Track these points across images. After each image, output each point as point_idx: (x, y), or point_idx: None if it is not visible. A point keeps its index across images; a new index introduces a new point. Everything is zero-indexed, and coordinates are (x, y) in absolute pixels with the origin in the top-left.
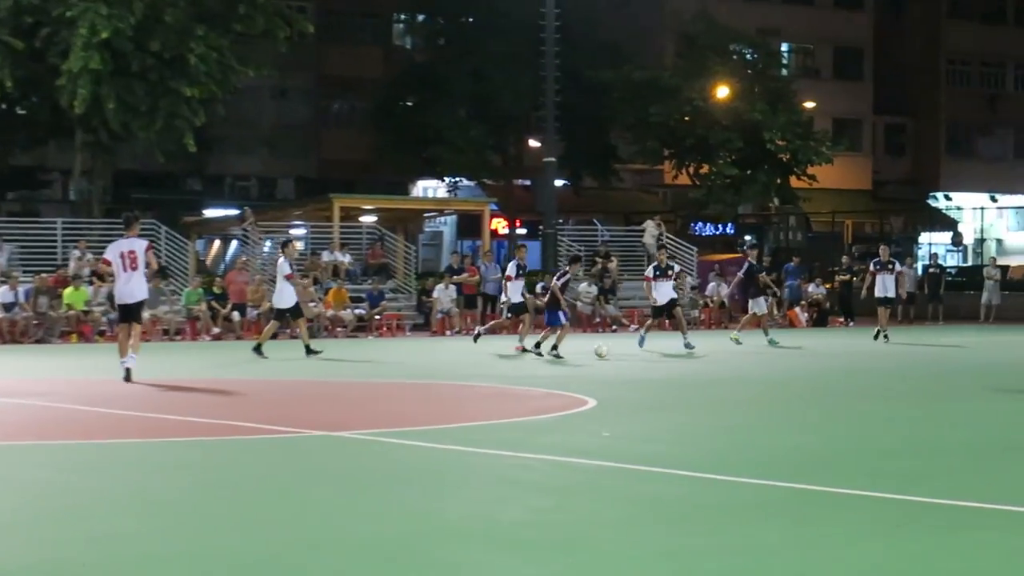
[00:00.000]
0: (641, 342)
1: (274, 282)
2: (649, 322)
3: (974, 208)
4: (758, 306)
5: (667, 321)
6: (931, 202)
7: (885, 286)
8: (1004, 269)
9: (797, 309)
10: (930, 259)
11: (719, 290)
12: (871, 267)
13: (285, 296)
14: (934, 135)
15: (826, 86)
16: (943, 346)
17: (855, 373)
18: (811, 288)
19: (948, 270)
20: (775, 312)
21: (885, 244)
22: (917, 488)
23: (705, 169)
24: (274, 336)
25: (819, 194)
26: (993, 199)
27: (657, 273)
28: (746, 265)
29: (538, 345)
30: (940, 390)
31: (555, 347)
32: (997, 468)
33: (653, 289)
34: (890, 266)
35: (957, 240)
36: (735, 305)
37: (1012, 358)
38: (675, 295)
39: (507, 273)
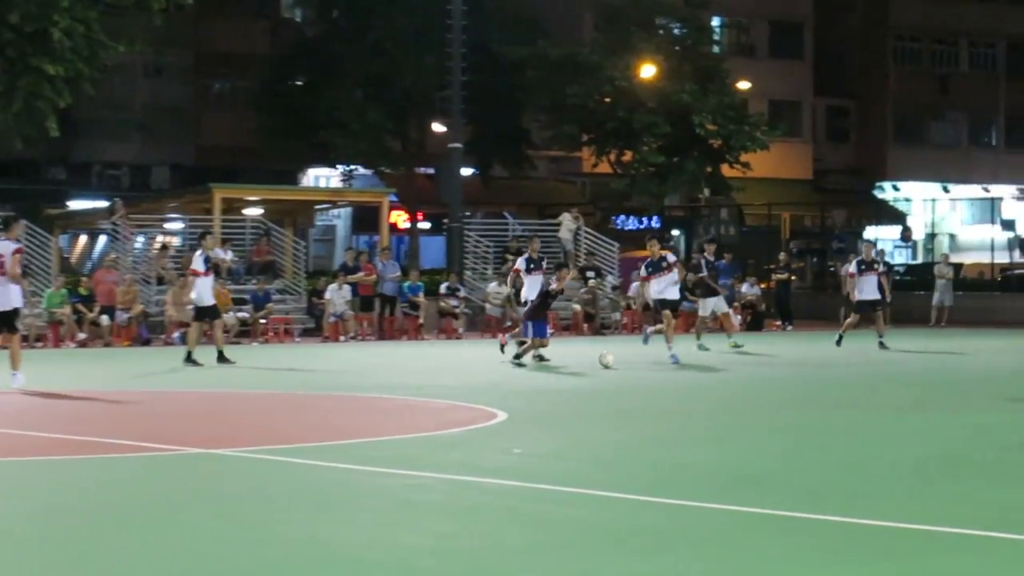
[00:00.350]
0: (645, 340)
1: (148, 282)
2: (662, 324)
3: (924, 200)
4: (705, 307)
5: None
6: (877, 193)
7: (871, 288)
8: (957, 267)
9: (730, 311)
10: (878, 256)
11: (643, 290)
12: (853, 268)
13: (204, 294)
14: (880, 119)
15: (762, 65)
16: (892, 351)
17: (790, 381)
18: (745, 288)
19: (896, 268)
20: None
21: (869, 242)
22: (860, 508)
23: (628, 156)
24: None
25: (754, 184)
26: (945, 189)
27: (531, 266)
28: (703, 262)
29: (518, 356)
30: (883, 401)
31: (519, 355)
32: (944, 486)
33: (525, 285)
34: (876, 266)
35: (906, 235)
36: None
37: (963, 366)
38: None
39: (515, 267)
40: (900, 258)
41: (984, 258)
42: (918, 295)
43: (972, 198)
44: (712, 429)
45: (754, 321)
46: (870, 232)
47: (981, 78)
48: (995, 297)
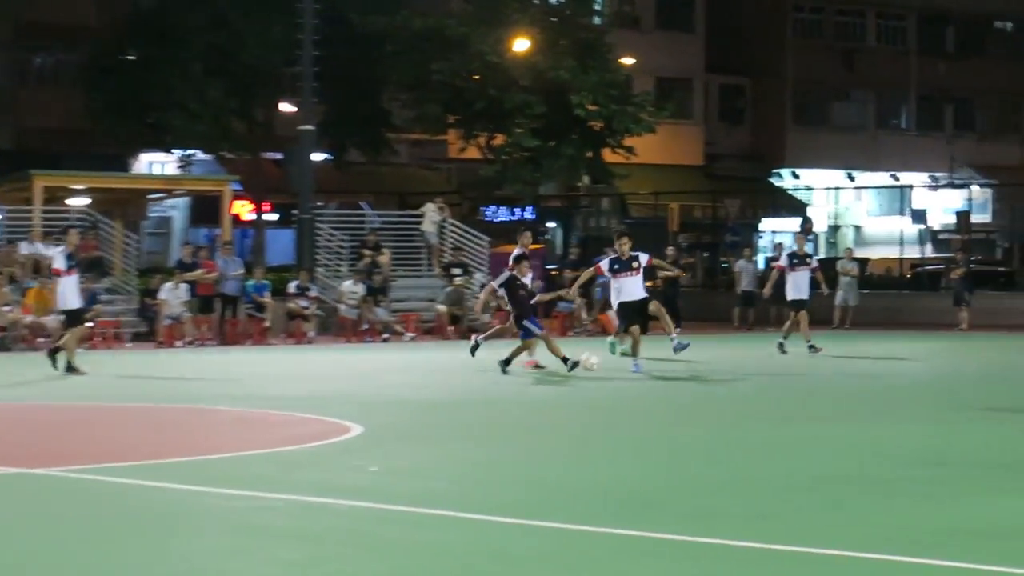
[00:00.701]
0: (678, 347)
1: None
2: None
3: (827, 188)
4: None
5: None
6: (775, 181)
7: (799, 285)
8: (863, 263)
9: (611, 312)
10: (774, 250)
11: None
12: (783, 261)
13: (68, 296)
14: (778, 99)
15: (649, 38)
16: (789, 357)
17: (676, 391)
18: None
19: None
20: (585, 316)
21: (801, 233)
22: (756, 531)
23: (499, 140)
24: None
25: (639, 171)
26: (850, 177)
27: (615, 267)
28: (606, 261)
29: (507, 363)
30: (777, 412)
31: (508, 360)
32: (844, 505)
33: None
34: (808, 260)
35: (806, 227)
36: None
37: (867, 371)
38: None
39: (779, 264)
40: None
41: (892, 253)
42: (819, 294)
43: (879, 186)
44: (596, 445)
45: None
46: (767, 224)
47: (890, 54)
48: (904, 296)
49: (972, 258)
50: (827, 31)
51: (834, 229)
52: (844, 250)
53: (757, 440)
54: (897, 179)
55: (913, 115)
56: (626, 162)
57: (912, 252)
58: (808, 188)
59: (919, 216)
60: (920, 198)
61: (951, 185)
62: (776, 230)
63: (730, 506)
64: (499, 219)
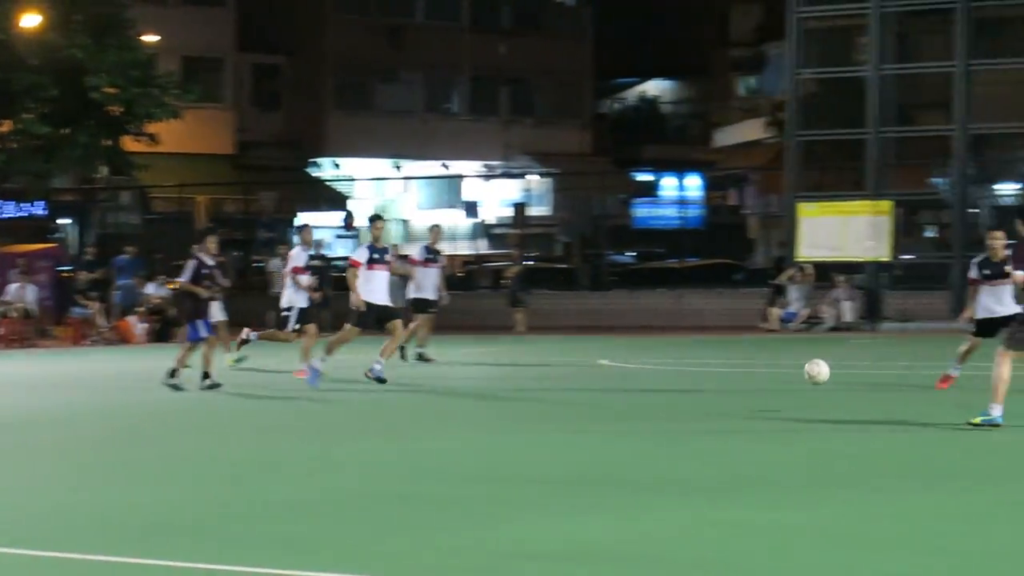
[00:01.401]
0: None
1: None
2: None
3: (372, 179)
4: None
5: None
6: (314, 171)
7: (424, 285)
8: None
9: (132, 318)
10: (315, 248)
11: (24, 295)
12: (418, 255)
13: None
14: (318, 81)
15: (175, 14)
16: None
17: (131, 408)
18: (151, 289)
19: (336, 263)
20: (103, 322)
21: (436, 227)
22: (292, 558)
23: (5, 127)
24: None
25: (163, 160)
26: (397, 167)
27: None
28: (196, 263)
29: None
30: (324, 427)
31: (174, 372)
32: (399, 527)
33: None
34: (437, 257)
35: (349, 222)
36: (48, 316)
37: (416, 382)
38: None
39: (412, 256)
40: (343, 250)
41: (445, 249)
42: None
43: (429, 176)
44: (137, 464)
45: (163, 329)
46: (305, 218)
47: (440, 31)
48: (458, 297)
49: (529, 255)
50: (372, 6)
51: None
52: (391, 246)
53: (301, 457)
54: (448, 168)
55: (466, 98)
56: (149, 151)
57: (466, 248)
58: (351, 179)
59: (472, 209)
60: (473, 189)
61: (507, 175)
62: (316, 225)
63: (268, 529)
64: (4, 215)
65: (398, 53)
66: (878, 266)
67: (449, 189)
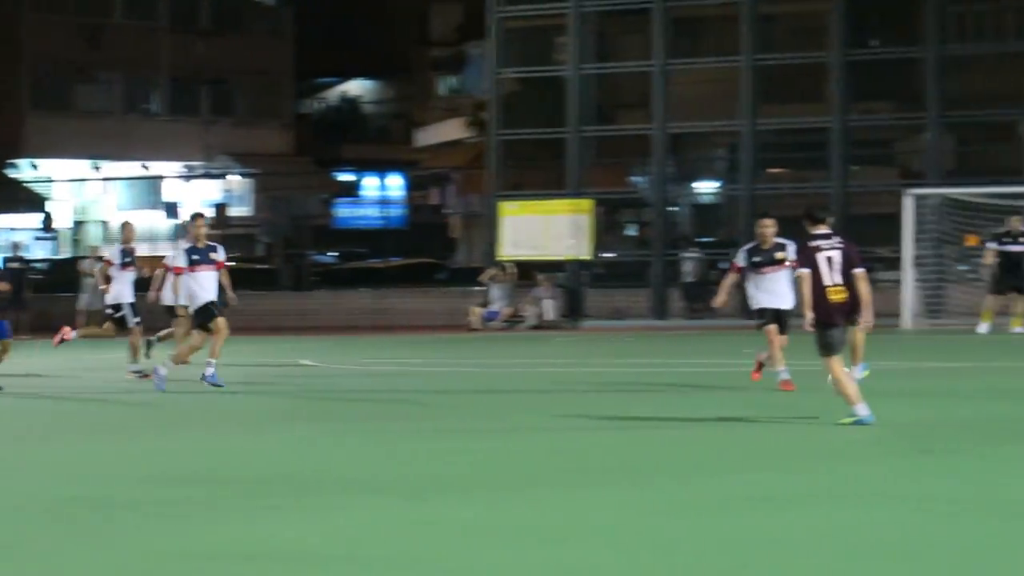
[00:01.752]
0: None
1: None
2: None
3: (71, 180)
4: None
5: None
6: (11, 172)
7: (120, 289)
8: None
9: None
10: (12, 250)
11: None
12: (115, 257)
13: None
14: (15, 80)
15: None
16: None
17: None
18: None
19: (36, 265)
20: None
21: (127, 224)
22: None
23: None
24: None
25: None
26: (96, 167)
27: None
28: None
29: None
30: (27, 428)
31: None
32: (89, 530)
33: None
34: (213, 255)
35: (48, 224)
36: None
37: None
38: None
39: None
40: (42, 252)
41: (147, 251)
42: (64, 297)
43: (129, 177)
44: None
45: None
46: (4, 220)
47: (139, 31)
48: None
49: (231, 255)
50: (69, 5)
51: (79, 225)
52: (89, 248)
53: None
54: (148, 168)
55: (166, 98)
56: None
57: (167, 249)
58: (49, 180)
59: (172, 210)
60: (173, 189)
61: (207, 175)
62: (14, 227)
63: None
64: None
65: (96, 53)
66: (579, 264)
67: (149, 190)
